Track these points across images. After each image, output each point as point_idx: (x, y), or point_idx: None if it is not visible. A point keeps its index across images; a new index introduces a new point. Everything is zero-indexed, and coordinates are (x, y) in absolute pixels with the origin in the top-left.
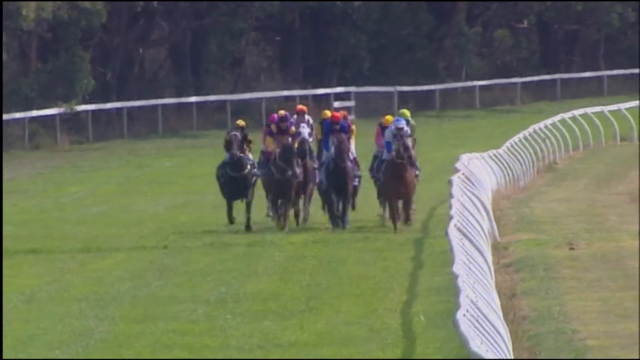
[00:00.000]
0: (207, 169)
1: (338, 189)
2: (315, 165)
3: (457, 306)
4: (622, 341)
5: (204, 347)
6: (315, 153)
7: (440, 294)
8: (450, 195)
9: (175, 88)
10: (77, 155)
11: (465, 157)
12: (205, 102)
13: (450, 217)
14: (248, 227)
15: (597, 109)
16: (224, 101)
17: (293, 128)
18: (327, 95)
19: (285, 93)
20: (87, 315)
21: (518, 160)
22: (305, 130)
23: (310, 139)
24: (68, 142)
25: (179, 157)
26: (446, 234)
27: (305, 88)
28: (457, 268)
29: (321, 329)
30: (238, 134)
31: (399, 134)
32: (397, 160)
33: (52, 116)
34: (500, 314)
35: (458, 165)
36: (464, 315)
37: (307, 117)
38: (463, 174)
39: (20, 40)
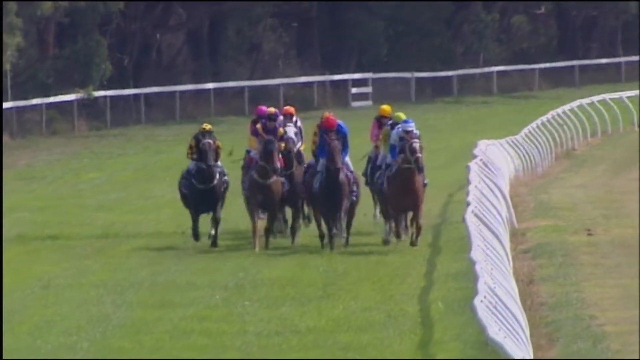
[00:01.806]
0: (225, 155)
1: (331, 199)
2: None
3: (474, 292)
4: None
5: (222, 332)
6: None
7: (457, 280)
8: (468, 182)
9: (193, 74)
10: (94, 141)
11: (482, 144)
12: (222, 89)
13: (468, 204)
14: (214, 244)
15: (615, 95)
16: (242, 87)
17: (282, 129)
18: (344, 81)
19: (303, 79)
20: (105, 301)
21: (536, 146)
22: (290, 129)
23: (299, 144)
24: (86, 128)
25: None
26: (464, 220)
27: (322, 74)
28: (475, 254)
29: (339, 315)
30: (211, 141)
31: (406, 137)
32: (404, 165)
33: (70, 102)
34: (518, 300)
35: (476, 151)
36: (482, 301)
37: (295, 119)
38: (481, 160)
39: (37, 26)
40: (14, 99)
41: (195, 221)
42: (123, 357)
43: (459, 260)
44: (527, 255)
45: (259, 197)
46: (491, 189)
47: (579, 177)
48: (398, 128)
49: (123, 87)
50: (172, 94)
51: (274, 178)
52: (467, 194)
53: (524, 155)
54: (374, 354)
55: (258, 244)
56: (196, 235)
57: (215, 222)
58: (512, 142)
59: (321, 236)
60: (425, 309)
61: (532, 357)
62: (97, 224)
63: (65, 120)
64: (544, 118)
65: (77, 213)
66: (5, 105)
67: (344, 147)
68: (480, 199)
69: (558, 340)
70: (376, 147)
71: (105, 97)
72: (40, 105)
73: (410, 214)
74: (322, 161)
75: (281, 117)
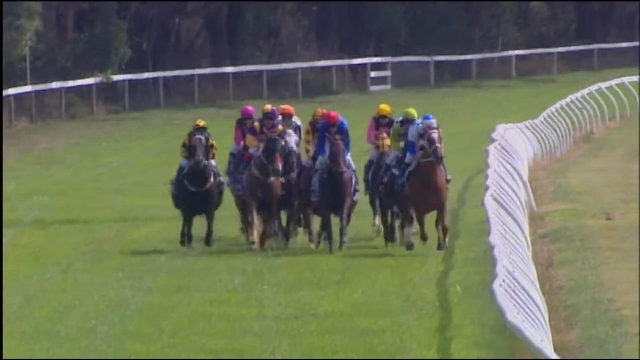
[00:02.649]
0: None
1: (333, 201)
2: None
3: (493, 276)
4: None
5: (240, 317)
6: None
7: (476, 265)
8: (487, 165)
9: (211, 58)
10: (113, 125)
11: (501, 127)
12: (241, 73)
13: (487, 187)
14: (208, 242)
15: (634, 78)
16: (260, 71)
17: (280, 127)
18: (363, 65)
19: (322, 63)
20: (124, 286)
21: (554, 130)
22: (292, 138)
23: (295, 147)
24: (104, 112)
25: (215, 127)
26: (482, 204)
27: (341, 58)
28: (494, 238)
29: (357, 299)
30: (202, 137)
31: (426, 133)
32: (424, 160)
33: (89, 86)
34: (537, 284)
35: (494, 135)
36: (501, 285)
37: (294, 119)
38: (499, 144)
39: (56, 10)
40: (33, 83)
41: (186, 224)
42: (142, 342)
43: (477, 244)
44: (546, 239)
45: (259, 194)
46: (510, 173)
47: (597, 161)
48: (418, 124)
49: (142, 71)
50: (190, 77)
51: (280, 168)
52: (486, 177)
53: (542, 139)
54: (392, 338)
55: (257, 241)
56: (189, 237)
57: (209, 225)
58: (531, 125)
59: (310, 232)
60: (444, 293)
61: (550, 341)
62: (116, 208)
63: (84, 104)
64: (562, 102)
65: (96, 197)
66: (24, 89)
67: (346, 145)
68: (499, 182)
69: (577, 323)
70: (377, 147)
71: (123, 81)
72: (59, 89)
73: (431, 216)
74: (321, 159)
75: (294, 118)
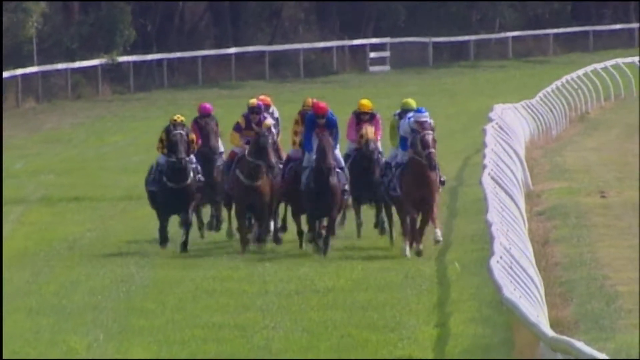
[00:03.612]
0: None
1: (320, 203)
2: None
3: (490, 253)
4: None
5: (243, 292)
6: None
7: (474, 242)
8: (484, 145)
9: (215, 39)
10: (118, 105)
11: (498, 107)
12: (243, 53)
13: (484, 166)
14: (184, 248)
15: (629, 59)
16: (262, 52)
17: (267, 121)
18: (363, 46)
19: (322, 44)
20: (129, 262)
21: (551, 110)
22: (268, 121)
23: (276, 137)
24: (110, 93)
25: (218, 107)
26: (480, 182)
27: (341, 39)
28: (491, 216)
29: (357, 276)
30: (183, 132)
31: (418, 128)
32: (416, 157)
33: (94, 67)
34: (533, 260)
35: (492, 115)
36: (498, 262)
37: (273, 109)
38: (497, 123)
39: None
40: (40, 63)
41: (163, 223)
42: (146, 317)
43: (475, 222)
44: (542, 217)
45: (246, 200)
46: (507, 152)
47: (592, 141)
48: (409, 118)
49: (146, 53)
50: (194, 59)
51: (263, 179)
52: (484, 157)
53: (539, 119)
54: (391, 313)
55: (243, 246)
56: (164, 238)
57: (186, 225)
58: (528, 105)
59: (299, 233)
60: (442, 269)
61: (546, 316)
62: (121, 185)
63: (90, 85)
64: (558, 82)
65: (101, 175)
66: (31, 69)
67: (334, 140)
68: (496, 161)
69: (572, 299)
70: (360, 137)
71: (128, 62)
72: (66, 70)
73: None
74: (308, 156)
75: (273, 108)
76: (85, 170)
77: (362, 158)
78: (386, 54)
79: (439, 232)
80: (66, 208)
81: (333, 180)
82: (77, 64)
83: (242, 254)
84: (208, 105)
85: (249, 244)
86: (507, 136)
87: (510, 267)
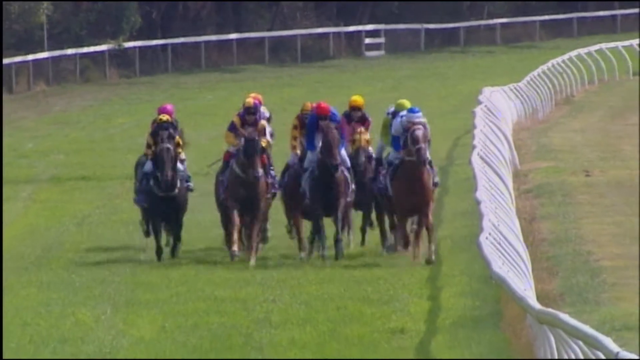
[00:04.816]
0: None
1: (326, 200)
2: (274, 176)
3: (480, 230)
4: (634, 262)
5: (243, 267)
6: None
7: (464, 219)
8: (474, 126)
9: (217, 26)
10: (124, 88)
11: (487, 91)
12: (244, 39)
13: (474, 147)
14: (174, 253)
15: (612, 45)
16: (262, 38)
17: (263, 122)
18: (358, 32)
19: (320, 30)
20: (134, 238)
21: (537, 93)
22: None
23: (270, 139)
24: (116, 77)
25: (220, 90)
26: (470, 162)
27: (337, 26)
28: (480, 194)
29: (353, 251)
30: (170, 146)
31: (410, 129)
32: (408, 158)
33: (102, 52)
34: (521, 237)
35: (481, 97)
36: (487, 238)
37: (263, 110)
38: (485, 106)
39: None
40: (50, 49)
41: (158, 234)
42: (151, 291)
43: (465, 199)
44: (529, 195)
45: (241, 194)
46: (495, 133)
47: (577, 122)
48: (402, 117)
49: (151, 38)
50: (197, 44)
51: (260, 173)
52: (473, 137)
53: (526, 102)
54: (385, 287)
55: (237, 249)
56: (160, 250)
57: (176, 237)
58: (515, 89)
59: (300, 240)
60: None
61: (533, 290)
62: (127, 165)
63: (98, 69)
64: (544, 67)
65: (109, 155)
66: (42, 55)
67: (340, 138)
68: (485, 142)
69: (558, 274)
70: (352, 142)
71: (134, 47)
72: (74, 55)
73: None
74: (310, 156)
75: (263, 108)
76: (93, 151)
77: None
78: (381, 39)
79: (432, 248)
80: (75, 187)
81: (339, 175)
82: (85, 49)
83: (236, 255)
84: (169, 107)
85: (240, 248)
86: (495, 118)
87: (499, 243)
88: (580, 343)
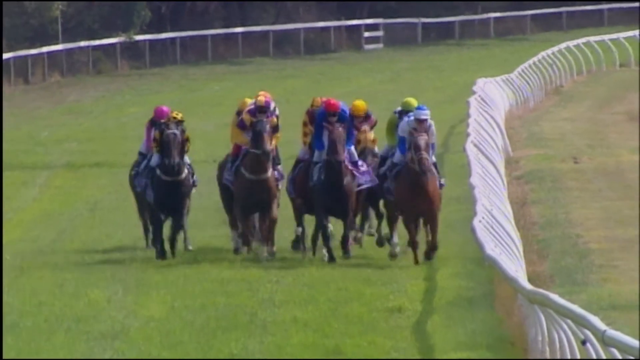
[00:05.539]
0: (252, 92)
1: (332, 200)
2: (281, 171)
3: (473, 214)
4: (621, 245)
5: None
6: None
7: (459, 203)
8: (468, 115)
9: (223, 20)
10: (135, 79)
11: (481, 81)
12: (250, 33)
13: (468, 135)
14: (173, 250)
15: (599, 37)
16: (267, 31)
17: (274, 119)
18: (358, 26)
19: (321, 24)
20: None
21: (528, 83)
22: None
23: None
24: (127, 68)
25: (227, 81)
26: (464, 149)
27: (338, 20)
28: (474, 180)
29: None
30: (177, 132)
31: (418, 128)
32: (412, 164)
33: (113, 45)
34: (512, 220)
35: (475, 88)
36: (480, 222)
37: (272, 105)
38: (479, 96)
39: None
40: (64, 42)
41: (160, 227)
42: (161, 272)
43: (459, 185)
44: (521, 181)
45: (252, 198)
46: (488, 122)
47: (566, 111)
48: (410, 116)
49: (161, 32)
50: (204, 37)
51: (269, 172)
52: (467, 126)
53: (517, 92)
54: (384, 269)
55: (252, 248)
56: (162, 249)
57: (178, 229)
58: (507, 80)
59: (325, 242)
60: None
61: (524, 271)
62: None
63: (109, 61)
64: (535, 59)
65: (120, 143)
66: (56, 47)
67: (348, 136)
68: (479, 130)
69: (548, 256)
70: (358, 142)
71: (144, 40)
72: (87, 47)
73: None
74: (318, 153)
75: (272, 104)
76: (105, 139)
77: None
78: (379, 33)
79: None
80: (88, 173)
81: (345, 173)
82: (98, 42)
83: (269, 257)
84: (165, 109)
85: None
86: (488, 107)
87: (492, 227)
88: (569, 322)
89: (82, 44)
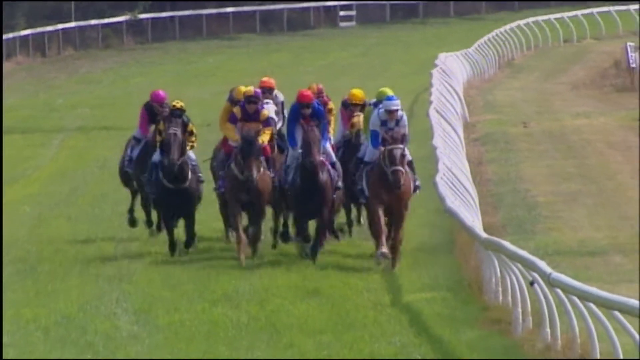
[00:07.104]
0: (242, 64)
1: (309, 202)
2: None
3: (436, 171)
4: (564, 198)
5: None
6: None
7: (423, 162)
8: (431, 85)
9: (216, 1)
10: (139, 53)
11: (443, 55)
12: (239, 12)
13: (431, 102)
14: (188, 246)
15: (546, 17)
16: (255, 11)
17: (265, 111)
18: (334, 6)
19: (302, 5)
20: None
21: (484, 57)
22: (270, 107)
23: (279, 124)
24: (132, 43)
25: (220, 55)
26: (427, 114)
27: (317, 0)
28: (436, 141)
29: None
30: (179, 132)
31: (389, 118)
32: (383, 162)
33: (120, 22)
34: (470, 177)
35: (437, 61)
36: (442, 178)
37: (276, 93)
38: (441, 68)
39: None
40: (77, 20)
41: (171, 230)
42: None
43: (423, 146)
44: (477, 143)
45: (242, 197)
46: (449, 91)
47: (517, 82)
48: (380, 108)
49: (161, 11)
50: (199, 16)
51: (261, 171)
52: (430, 94)
53: (474, 65)
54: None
55: (243, 254)
56: (173, 245)
57: (189, 233)
58: (466, 54)
59: (303, 240)
60: None
61: (480, 221)
62: None
63: (117, 37)
64: (490, 35)
65: (127, 109)
66: (70, 25)
67: (323, 133)
68: (440, 98)
69: (501, 208)
70: (351, 126)
71: (147, 18)
72: (97, 25)
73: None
74: (292, 152)
75: (276, 92)
76: (113, 105)
77: (352, 148)
78: (353, 12)
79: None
80: (98, 135)
81: (322, 176)
82: (107, 20)
83: (243, 260)
84: (162, 93)
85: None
86: (449, 78)
87: (452, 183)
88: (519, 265)
89: (93, 22)
